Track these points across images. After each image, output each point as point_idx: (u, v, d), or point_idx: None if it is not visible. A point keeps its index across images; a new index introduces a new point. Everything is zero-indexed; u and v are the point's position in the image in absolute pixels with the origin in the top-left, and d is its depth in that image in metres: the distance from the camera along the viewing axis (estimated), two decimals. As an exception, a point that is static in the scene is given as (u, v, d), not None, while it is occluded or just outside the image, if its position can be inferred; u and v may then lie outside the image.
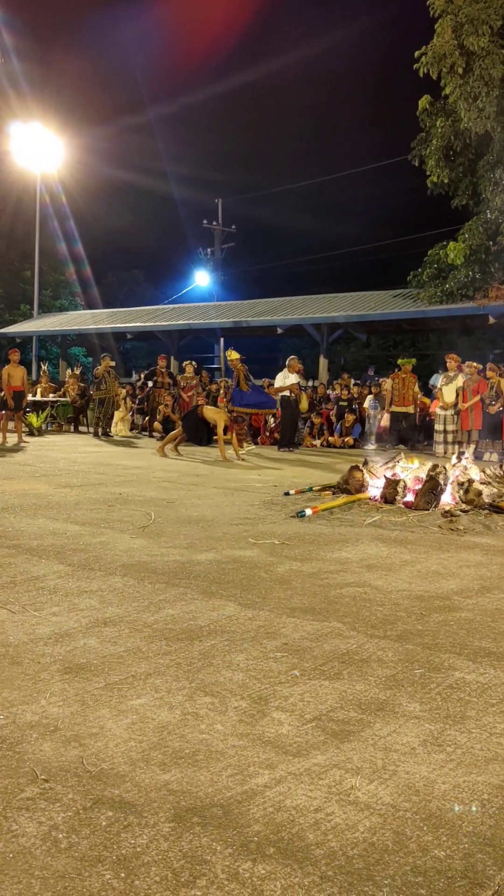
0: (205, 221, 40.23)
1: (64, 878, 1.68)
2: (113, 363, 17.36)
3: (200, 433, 12.64)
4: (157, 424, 17.11)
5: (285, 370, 14.74)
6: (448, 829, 1.91)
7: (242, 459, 12.16)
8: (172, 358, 23.75)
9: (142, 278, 48.14)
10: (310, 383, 18.74)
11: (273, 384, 15.80)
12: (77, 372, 20.86)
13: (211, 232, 40.54)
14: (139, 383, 20.02)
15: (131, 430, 18.05)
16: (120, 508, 6.70)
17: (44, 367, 22.89)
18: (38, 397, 19.49)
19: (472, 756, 2.30)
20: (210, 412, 12.50)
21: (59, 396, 19.83)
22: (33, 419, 17.04)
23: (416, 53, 16.80)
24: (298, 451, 14.32)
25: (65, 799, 2.00)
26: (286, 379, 14.51)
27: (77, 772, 2.14)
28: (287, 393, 14.40)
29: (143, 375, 20.32)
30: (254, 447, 13.93)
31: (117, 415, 17.49)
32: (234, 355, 13.58)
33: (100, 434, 16.75)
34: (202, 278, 41.02)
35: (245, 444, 13.72)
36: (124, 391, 18.35)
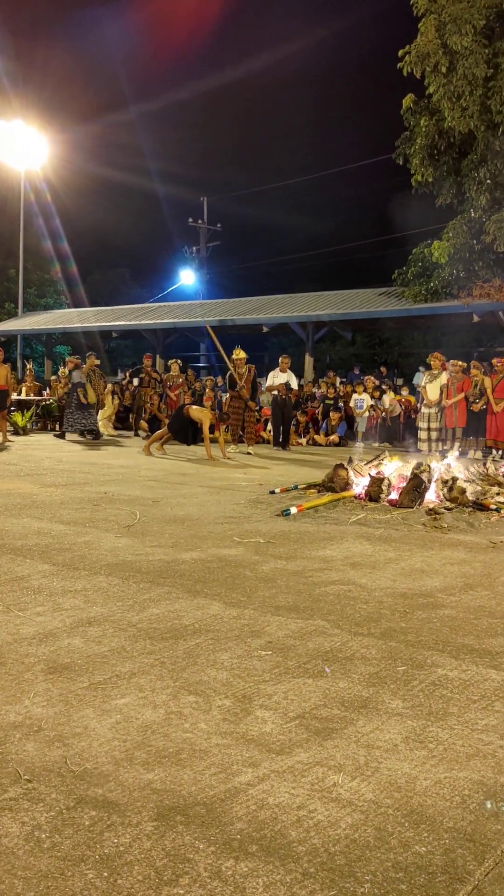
0: (190, 220, 40.18)
1: (47, 877, 1.68)
2: (98, 362, 17.30)
3: (186, 432, 12.63)
4: (143, 423, 17.07)
5: (276, 369, 14.77)
6: (429, 824, 1.93)
7: (229, 458, 12.16)
8: (158, 356, 23.71)
9: (127, 277, 48.02)
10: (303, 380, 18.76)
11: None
12: (66, 371, 20.74)
13: (196, 230, 40.50)
14: (125, 381, 19.96)
15: (115, 429, 18.01)
16: (105, 507, 6.69)
17: (29, 366, 22.80)
18: (23, 396, 19.40)
19: (454, 752, 2.32)
20: (196, 412, 12.49)
21: (49, 395, 19.75)
22: (18, 418, 16.96)
23: (400, 52, 16.85)
24: (284, 450, 14.33)
25: (48, 799, 2.00)
26: (276, 378, 14.54)
27: (60, 772, 2.14)
28: (276, 392, 14.44)
29: (128, 374, 20.26)
30: (244, 447, 13.91)
31: (102, 413, 17.44)
32: (241, 354, 13.69)
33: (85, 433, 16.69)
34: (188, 277, 40.96)
35: (248, 444, 13.76)
36: (110, 386, 18.28)
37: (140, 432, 17.06)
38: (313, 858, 1.77)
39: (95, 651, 3.13)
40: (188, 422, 12.40)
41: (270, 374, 14.82)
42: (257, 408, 14.67)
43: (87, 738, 2.36)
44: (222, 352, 14.07)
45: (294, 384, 14.90)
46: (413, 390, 16.86)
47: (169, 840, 1.84)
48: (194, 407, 12.86)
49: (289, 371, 14.77)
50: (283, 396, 14.43)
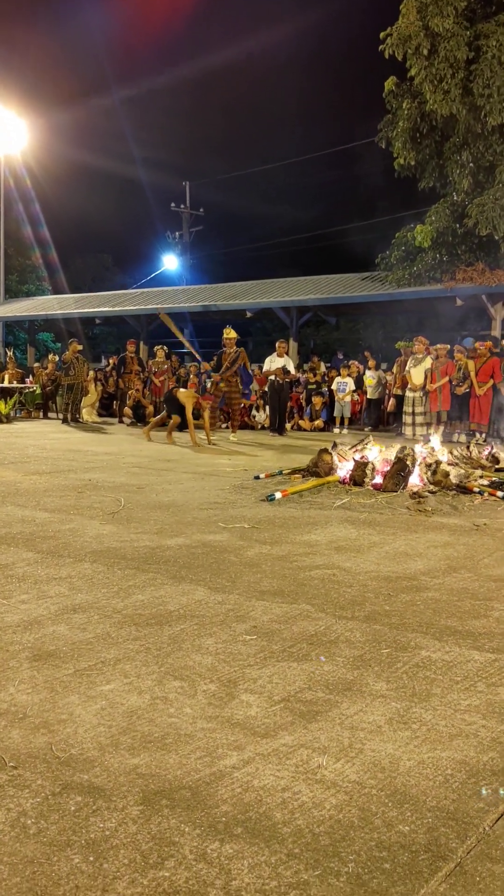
0: (172, 205, 39.95)
1: (32, 863, 1.69)
2: (81, 347, 17.21)
3: (172, 411, 12.57)
4: (127, 410, 17.02)
5: (273, 354, 14.76)
6: (412, 804, 1.95)
7: (214, 444, 12.15)
8: (142, 342, 23.61)
9: (110, 262, 47.73)
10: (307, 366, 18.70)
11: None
12: (55, 358, 20.55)
13: (179, 215, 40.28)
14: (109, 369, 19.87)
15: (99, 416, 17.96)
16: (89, 495, 6.68)
17: (9, 353, 22.65)
18: (5, 384, 19.29)
19: (437, 733, 2.34)
20: (182, 395, 12.44)
21: (34, 382, 19.63)
22: (0, 406, 16.87)
23: (382, 34, 16.76)
24: (269, 436, 14.34)
25: (33, 785, 2.01)
26: (273, 363, 14.52)
27: (46, 758, 2.15)
28: (273, 377, 14.42)
29: (112, 361, 20.15)
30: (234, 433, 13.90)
31: (86, 400, 17.38)
32: (231, 334, 13.50)
33: (69, 420, 16.63)
34: (171, 262, 40.78)
35: (232, 430, 13.70)
36: (92, 373, 18.20)
37: (124, 419, 17.02)
38: (298, 839, 1.79)
39: (80, 638, 3.13)
40: (178, 405, 12.30)
41: (267, 359, 14.81)
42: (246, 392, 14.58)
43: (72, 724, 2.36)
44: (181, 336, 14.03)
45: (291, 368, 14.88)
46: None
47: (154, 824, 1.85)
48: (181, 391, 12.80)
49: (286, 355, 14.76)
50: (281, 381, 14.41)
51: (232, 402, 13.72)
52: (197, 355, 14.20)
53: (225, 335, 13.57)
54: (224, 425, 14.79)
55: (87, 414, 17.37)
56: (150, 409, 16.57)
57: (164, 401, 13.26)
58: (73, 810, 1.90)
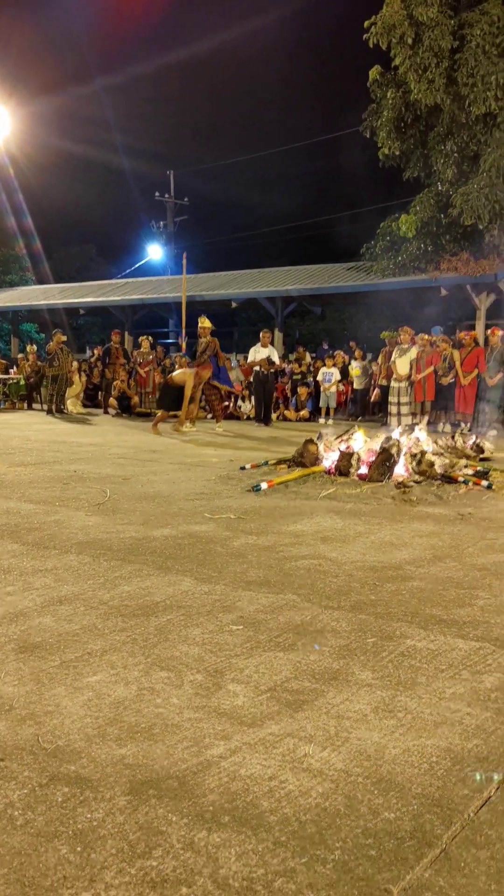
0: (157, 194, 39.73)
1: (20, 854, 1.69)
2: (65, 338, 17.13)
3: (166, 399, 12.37)
4: (112, 401, 16.96)
5: (257, 345, 14.71)
6: (398, 791, 1.96)
7: (184, 431, 12.11)
8: (127, 333, 23.52)
9: (94, 252, 47.42)
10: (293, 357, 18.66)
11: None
12: (34, 349, 20.42)
13: (163, 205, 40.07)
14: (93, 359, 19.78)
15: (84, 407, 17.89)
16: (75, 486, 6.66)
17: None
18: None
19: (422, 721, 2.36)
20: (178, 376, 12.24)
21: (18, 373, 19.50)
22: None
23: (366, 23, 16.69)
24: (255, 426, 14.33)
25: (20, 777, 2.01)
26: (257, 353, 14.48)
27: (33, 749, 2.15)
28: (258, 368, 14.38)
29: (96, 352, 20.07)
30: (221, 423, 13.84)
31: (70, 391, 17.30)
32: (205, 323, 13.37)
33: (54, 411, 16.57)
34: (155, 252, 40.59)
35: (217, 421, 13.59)
36: (75, 364, 18.10)
37: (109, 410, 16.97)
38: (285, 827, 1.80)
39: (67, 629, 3.13)
40: (175, 390, 12.12)
41: (252, 350, 14.76)
42: (222, 383, 14.46)
43: (59, 715, 2.36)
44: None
45: (276, 358, 14.85)
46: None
47: (142, 813, 1.85)
48: (175, 375, 12.58)
49: (270, 346, 14.73)
50: (265, 372, 14.37)
51: (209, 393, 13.54)
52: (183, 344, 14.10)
53: (199, 324, 13.43)
54: (209, 416, 14.75)
55: (72, 405, 17.30)
56: (136, 399, 16.53)
57: (159, 395, 13.04)
58: (60, 801, 1.90)
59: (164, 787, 1.97)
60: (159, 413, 12.58)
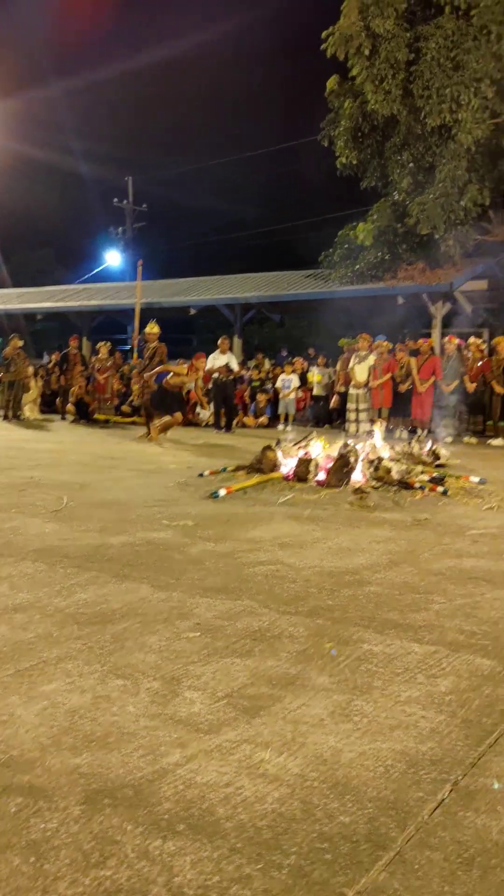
0: (115, 200, 39.55)
1: (-28, 866, 1.67)
2: (21, 343, 16.93)
3: (174, 406, 11.84)
4: (70, 406, 16.80)
5: (216, 352, 14.69)
6: (353, 795, 1.97)
7: (152, 440, 11.93)
8: (85, 339, 23.34)
9: (53, 258, 46.99)
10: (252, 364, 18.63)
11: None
12: None
13: (122, 211, 39.89)
14: (51, 365, 19.58)
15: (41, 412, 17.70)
16: (32, 492, 6.58)
17: None
18: None
19: (378, 724, 2.38)
20: (175, 379, 11.74)
21: None
22: None
23: (324, 34, 16.86)
24: (214, 433, 14.32)
25: (-27, 788, 1.98)
26: (216, 360, 14.46)
27: (-15, 760, 2.12)
28: (217, 375, 14.35)
29: (53, 357, 19.86)
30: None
31: (27, 397, 17.10)
32: (153, 328, 13.15)
33: (10, 417, 16.35)
34: (114, 258, 40.36)
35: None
36: (31, 369, 17.88)
37: (67, 416, 16.81)
38: (240, 834, 1.80)
39: (22, 638, 3.09)
40: (170, 395, 11.69)
41: (210, 357, 14.72)
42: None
43: (12, 725, 2.33)
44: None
45: (235, 365, 14.84)
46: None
47: (97, 823, 1.84)
48: (170, 381, 11.86)
49: (229, 353, 14.73)
50: (224, 379, 14.36)
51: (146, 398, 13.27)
52: (136, 351, 13.90)
53: (147, 329, 13.23)
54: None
55: (30, 410, 17.09)
56: (94, 405, 16.39)
57: (156, 403, 12.03)
58: (13, 812, 1.88)
59: (120, 796, 1.95)
60: (166, 419, 11.85)
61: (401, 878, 1.66)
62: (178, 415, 11.98)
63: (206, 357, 13.25)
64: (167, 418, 11.86)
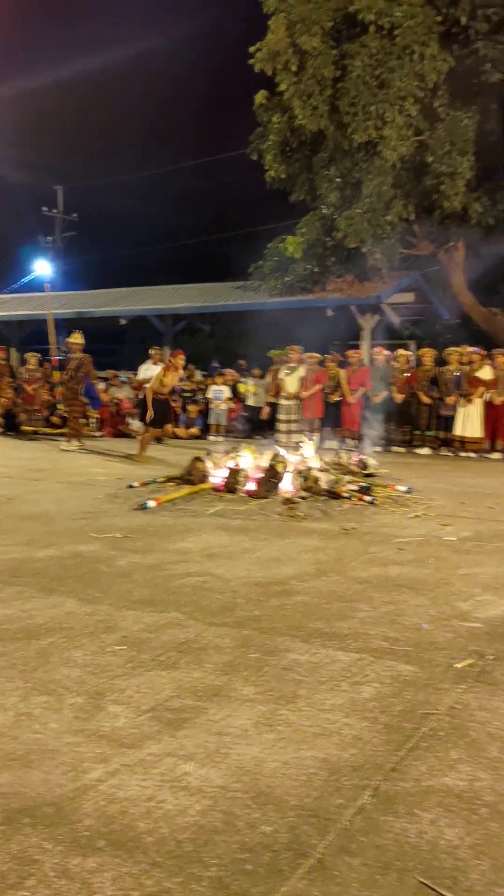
0: (45, 209, 39.06)
1: None
2: None
3: (166, 416, 11.40)
4: (-2, 419, 16.46)
5: (148, 362, 14.60)
6: (275, 804, 1.99)
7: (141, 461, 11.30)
8: (13, 349, 22.93)
9: (-22, 267, 46.07)
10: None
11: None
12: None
13: (51, 220, 39.41)
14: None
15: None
16: (-45, 507, 6.43)
17: None
18: None
19: (302, 733, 2.40)
20: (163, 387, 11.12)
21: None
22: None
23: (252, 49, 17.01)
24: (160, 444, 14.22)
25: None
26: (148, 371, 14.37)
27: None
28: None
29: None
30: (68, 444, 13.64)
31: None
32: (77, 339, 12.86)
33: None
34: (43, 268, 39.80)
35: (68, 439, 13.00)
36: None
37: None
38: (161, 848, 1.79)
39: None
40: (162, 404, 11.25)
41: (142, 367, 14.63)
42: (86, 402, 14.11)
43: None
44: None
45: None
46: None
47: (15, 843, 1.80)
48: (153, 382, 11.24)
49: (160, 363, 14.67)
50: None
51: (71, 409, 13.10)
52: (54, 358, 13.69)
53: (71, 340, 12.97)
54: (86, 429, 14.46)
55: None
56: (23, 416, 16.11)
57: (158, 414, 11.08)
58: None
59: (40, 815, 1.92)
60: (146, 435, 11.39)
61: (320, 884, 1.68)
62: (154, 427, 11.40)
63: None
64: (147, 434, 11.40)
